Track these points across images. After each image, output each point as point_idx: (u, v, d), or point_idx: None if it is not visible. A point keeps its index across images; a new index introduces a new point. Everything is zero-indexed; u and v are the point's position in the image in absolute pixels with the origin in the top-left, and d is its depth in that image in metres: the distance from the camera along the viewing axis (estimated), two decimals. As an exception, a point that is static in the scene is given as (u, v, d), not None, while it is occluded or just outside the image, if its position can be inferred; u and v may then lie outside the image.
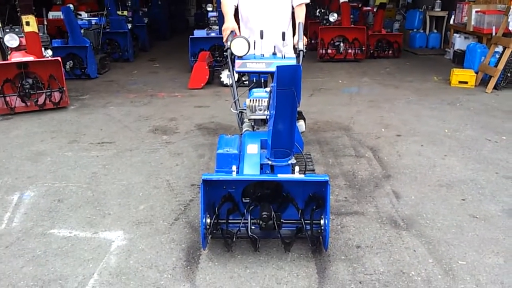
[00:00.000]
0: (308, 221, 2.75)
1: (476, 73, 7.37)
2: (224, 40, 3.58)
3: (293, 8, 3.92)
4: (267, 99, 3.12)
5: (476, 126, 5.32)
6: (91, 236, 3.10)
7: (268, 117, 3.11)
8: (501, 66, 6.81)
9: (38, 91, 6.10)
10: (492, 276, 2.62)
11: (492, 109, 6.03)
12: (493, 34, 7.65)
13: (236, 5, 3.87)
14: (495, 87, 6.95)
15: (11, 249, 2.96)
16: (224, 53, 3.52)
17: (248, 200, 2.79)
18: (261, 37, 3.41)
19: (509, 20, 7.06)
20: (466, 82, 7.28)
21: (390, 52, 10.19)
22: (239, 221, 2.77)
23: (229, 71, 3.58)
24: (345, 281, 2.59)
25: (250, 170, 2.84)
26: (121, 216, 3.36)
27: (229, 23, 3.62)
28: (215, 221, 2.72)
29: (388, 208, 3.43)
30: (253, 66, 3.41)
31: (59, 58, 6.11)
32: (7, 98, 5.97)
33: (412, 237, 3.03)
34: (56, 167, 4.29)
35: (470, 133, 5.07)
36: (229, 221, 2.80)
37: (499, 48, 7.16)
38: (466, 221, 3.22)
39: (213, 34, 8.69)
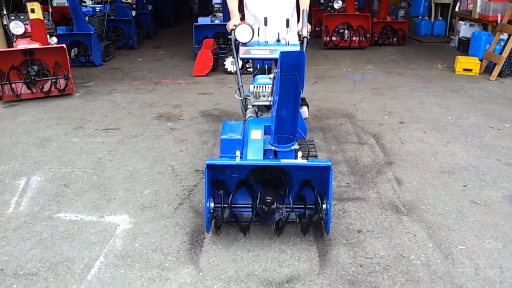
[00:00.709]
0: (311, 206, 2.80)
1: (481, 60, 7.33)
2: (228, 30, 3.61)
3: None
4: (271, 86, 3.15)
5: (480, 114, 5.32)
6: (97, 220, 3.16)
7: (271, 103, 3.14)
8: (505, 53, 6.77)
9: (43, 78, 6.14)
10: (491, 261, 2.66)
11: (496, 97, 6.02)
12: (499, 21, 7.61)
13: None
14: (499, 75, 6.92)
15: (19, 232, 3.02)
16: (229, 36, 3.54)
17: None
18: (265, 24, 3.43)
19: (514, 7, 7.01)
20: (470, 70, 7.26)
21: (395, 39, 10.14)
22: (248, 205, 2.80)
23: (233, 58, 3.60)
24: (345, 265, 2.64)
25: (254, 156, 2.88)
26: (126, 201, 3.42)
27: (235, 21, 3.64)
28: (230, 206, 2.74)
29: (389, 194, 3.47)
30: (257, 52, 3.43)
31: (64, 45, 6.15)
32: (13, 85, 6.02)
33: (412, 222, 3.07)
34: (62, 153, 4.34)
35: (473, 121, 5.08)
36: (241, 205, 2.84)
37: (504, 36, 7.12)
38: (466, 207, 3.26)
39: (217, 21, 8.66)
